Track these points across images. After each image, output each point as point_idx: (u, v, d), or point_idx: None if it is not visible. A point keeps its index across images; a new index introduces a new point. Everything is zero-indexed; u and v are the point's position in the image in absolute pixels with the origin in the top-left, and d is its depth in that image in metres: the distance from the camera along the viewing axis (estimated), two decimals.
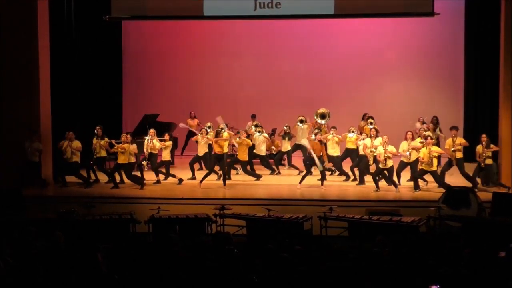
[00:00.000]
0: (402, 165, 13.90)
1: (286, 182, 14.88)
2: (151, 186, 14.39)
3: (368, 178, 14.19)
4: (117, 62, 18.23)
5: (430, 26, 17.11)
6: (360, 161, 14.42)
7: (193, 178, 14.90)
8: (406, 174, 14.14)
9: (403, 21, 17.23)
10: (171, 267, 7.10)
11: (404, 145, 13.82)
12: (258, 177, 14.94)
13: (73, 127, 14.83)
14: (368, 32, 17.85)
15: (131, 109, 18.54)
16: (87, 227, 10.75)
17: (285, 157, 16.06)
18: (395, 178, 13.69)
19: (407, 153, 13.67)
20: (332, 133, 14.67)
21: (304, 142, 14.25)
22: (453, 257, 7.47)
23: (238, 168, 15.36)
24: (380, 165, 13.59)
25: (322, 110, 15.58)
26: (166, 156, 14.88)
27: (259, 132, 15.39)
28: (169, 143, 14.94)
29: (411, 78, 18.13)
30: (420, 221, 10.67)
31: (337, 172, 15.18)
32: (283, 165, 16.20)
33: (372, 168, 14.17)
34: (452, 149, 13.72)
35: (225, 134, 14.68)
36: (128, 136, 14.41)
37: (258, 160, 15.70)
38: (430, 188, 13.84)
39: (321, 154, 14.04)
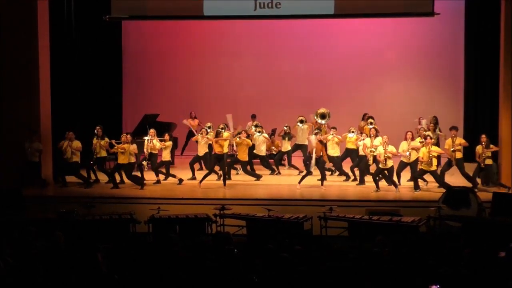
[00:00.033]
0: (402, 165, 13.89)
1: (286, 182, 14.87)
2: (151, 186, 14.39)
3: (368, 178, 14.19)
4: (117, 62, 18.22)
5: (430, 26, 17.11)
6: (360, 161, 14.43)
7: (193, 178, 14.90)
8: (406, 174, 14.15)
9: (403, 21, 17.22)
10: (171, 267, 7.10)
11: (404, 145, 13.81)
12: (258, 177, 14.94)
13: (73, 127, 14.82)
14: (368, 32, 17.84)
15: (131, 109, 18.54)
16: (87, 227, 10.75)
17: (285, 157, 16.05)
18: (395, 178, 13.69)
19: (407, 153, 13.67)
20: (332, 134, 14.67)
21: (311, 138, 13.98)
22: (453, 257, 7.47)
23: (238, 168, 15.35)
24: (380, 165, 13.59)
25: (322, 110, 15.57)
26: (166, 156, 14.88)
27: (259, 132, 15.38)
28: (169, 143, 14.93)
29: (411, 78, 18.12)
30: (420, 221, 10.67)
31: (337, 172, 15.18)
32: (283, 165, 16.19)
33: (372, 168, 14.17)
34: (452, 149, 13.72)
35: (225, 134, 14.69)
36: (128, 136, 14.40)
37: (258, 160, 15.70)
38: (430, 188, 13.85)
39: (321, 154, 14.05)
